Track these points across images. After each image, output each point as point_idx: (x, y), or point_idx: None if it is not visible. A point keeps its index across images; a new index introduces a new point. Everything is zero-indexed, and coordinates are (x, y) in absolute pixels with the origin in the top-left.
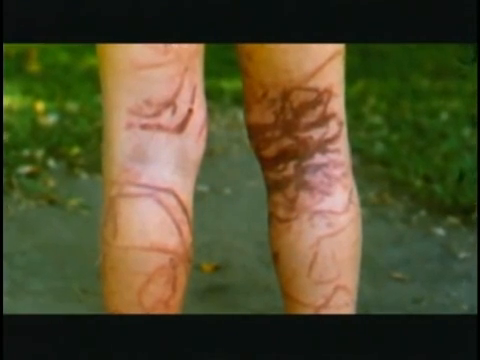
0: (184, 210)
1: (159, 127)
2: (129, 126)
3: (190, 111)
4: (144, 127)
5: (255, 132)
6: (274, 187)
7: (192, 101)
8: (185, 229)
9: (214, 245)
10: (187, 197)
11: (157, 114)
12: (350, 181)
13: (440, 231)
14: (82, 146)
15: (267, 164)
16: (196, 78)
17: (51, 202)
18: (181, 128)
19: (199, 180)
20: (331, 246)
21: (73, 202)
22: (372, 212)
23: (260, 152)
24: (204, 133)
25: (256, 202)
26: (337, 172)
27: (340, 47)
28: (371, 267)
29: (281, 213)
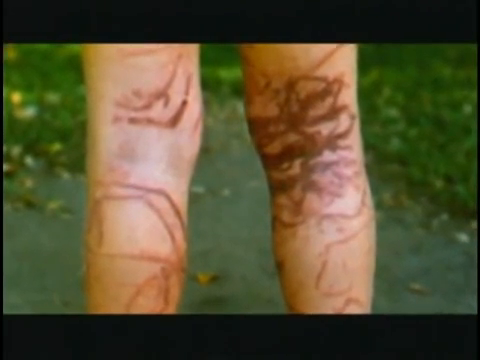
0: (177, 213)
1: (149, 121)
2: (116, 120)
3: (184, 103)
4: (133, 121)
5: (257, 126)
6: (278, 188)
7: (186, 92)
8: (178, 235)
9: (211, 253)
10: (181, 199)
11: (147, 106)
12: (363, 181)
13: (463, 237)
14: (63, 142)
15: (270, 162)
16: (191, 66)
17: (29, 205)
18: (174, 122)
19: (194, 180)
20: (342, 254)
21: (53, 205)
22: (388, 216)
23: (263, 149)
24: (200, 128)
25: (258, 205)
26: (348, 171)
27: None
28: (387, 278)
29: (286, 217)
